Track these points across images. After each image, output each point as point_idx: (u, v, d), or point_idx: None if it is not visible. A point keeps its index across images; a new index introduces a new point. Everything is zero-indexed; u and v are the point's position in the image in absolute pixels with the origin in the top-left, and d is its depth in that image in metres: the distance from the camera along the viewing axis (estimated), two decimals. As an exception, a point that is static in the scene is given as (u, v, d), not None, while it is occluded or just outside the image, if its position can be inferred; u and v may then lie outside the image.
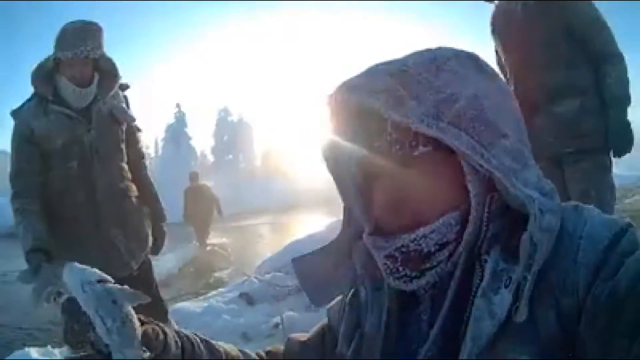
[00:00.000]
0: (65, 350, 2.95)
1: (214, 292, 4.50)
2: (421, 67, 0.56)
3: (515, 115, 0.59)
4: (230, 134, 33.31)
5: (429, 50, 0.60)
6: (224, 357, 0.70)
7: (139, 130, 2.42)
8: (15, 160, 2.11)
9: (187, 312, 4.05)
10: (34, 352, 3.01)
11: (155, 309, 2.25)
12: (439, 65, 0.56)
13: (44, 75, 2.09)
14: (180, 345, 0.65)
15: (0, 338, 4.88)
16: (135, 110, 2.39)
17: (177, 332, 0.67)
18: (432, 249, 0.55)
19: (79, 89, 2.08)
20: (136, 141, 2.38)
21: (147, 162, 2.61)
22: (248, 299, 4.01)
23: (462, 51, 0.60)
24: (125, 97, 2.34)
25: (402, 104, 0.53)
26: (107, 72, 2.17)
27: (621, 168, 7.17)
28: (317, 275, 0.68)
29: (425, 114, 0.52)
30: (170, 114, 28.10)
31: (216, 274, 7.14)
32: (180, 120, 28.07)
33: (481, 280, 0.53)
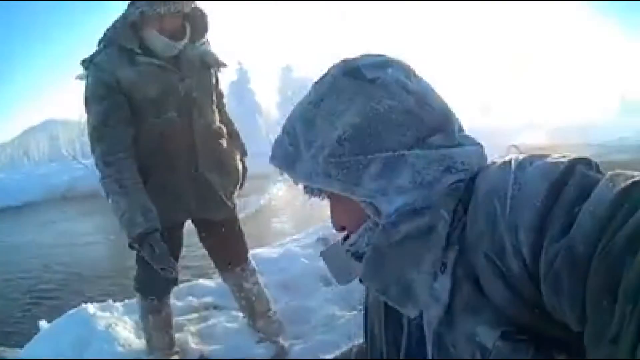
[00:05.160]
0: (128, 303, 2.89)
1: (289, 238, 4.31)
2: (300, 120, 0.65)
3: (389, 126, 0.60)
4: (294, 89, 33.14)
5: (310, 92, 0.67)
6: None
7: (224, 65, 2.33)
8: (99, 111, 1.88)
9: (263, 257, 3.91)
10: (92, 308, 2.85)
11: (238, 249, 2.38)
12: (314, 114, 0.64)
13: (130, 27, 1.92)
14: None
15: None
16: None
17: None
18: (365, 250, 0.65)
19: (172, 42, 1.96)
20: (219, 82, 2.34)
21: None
22: (326, 242, 3.75)
23: (340, 77, 0.64)
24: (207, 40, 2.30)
25: (294, 164, 0.65)
26: (197, 22, 2.08)
27: None
28: (341, 261, 0.76)
29: (305, 173, 0.64)
30: (232, 71, 28.10)
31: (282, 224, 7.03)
32: (242, 77, 28.15)
33: None
